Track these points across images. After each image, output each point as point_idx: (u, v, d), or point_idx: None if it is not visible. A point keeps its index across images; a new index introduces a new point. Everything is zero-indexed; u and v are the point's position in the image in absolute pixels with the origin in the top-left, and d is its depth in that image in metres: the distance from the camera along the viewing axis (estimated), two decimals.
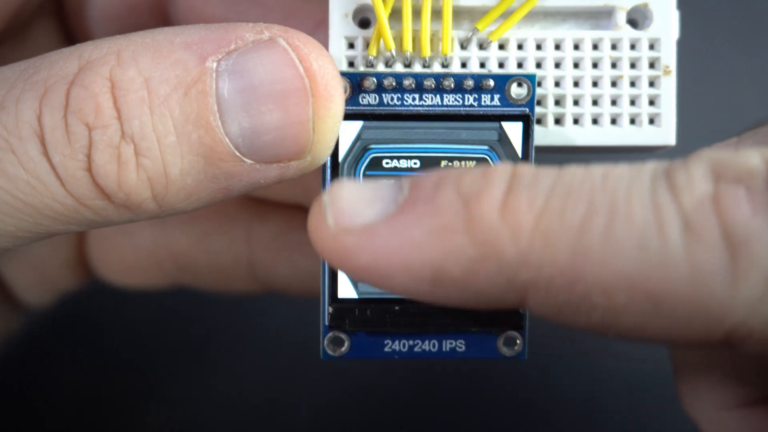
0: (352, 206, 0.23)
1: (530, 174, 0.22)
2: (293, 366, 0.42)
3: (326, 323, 0.28)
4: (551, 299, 0.22)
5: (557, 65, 0.28)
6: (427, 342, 0.28)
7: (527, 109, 0.27)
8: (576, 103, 0.28)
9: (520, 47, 0.28)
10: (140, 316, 0.43)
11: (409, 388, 0.42)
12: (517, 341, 0.28)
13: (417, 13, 0.27)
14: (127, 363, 0.43)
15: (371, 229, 0.22)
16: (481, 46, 0.28)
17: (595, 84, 0.28)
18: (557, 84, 0.28)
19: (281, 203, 0.35)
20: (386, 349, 0.28)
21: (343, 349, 0.28)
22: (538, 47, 0.28)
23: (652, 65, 0.28)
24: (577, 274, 0.21)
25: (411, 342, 0.28)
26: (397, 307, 0.27)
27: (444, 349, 0.28)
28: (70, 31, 0.33)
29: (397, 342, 0.28)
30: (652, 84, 0.28)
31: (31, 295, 0.38)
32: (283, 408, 0.42)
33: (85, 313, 0.43)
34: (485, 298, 0.22)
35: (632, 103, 0.28)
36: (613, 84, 0.28)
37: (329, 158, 0.27)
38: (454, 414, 0.41)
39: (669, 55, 0.28)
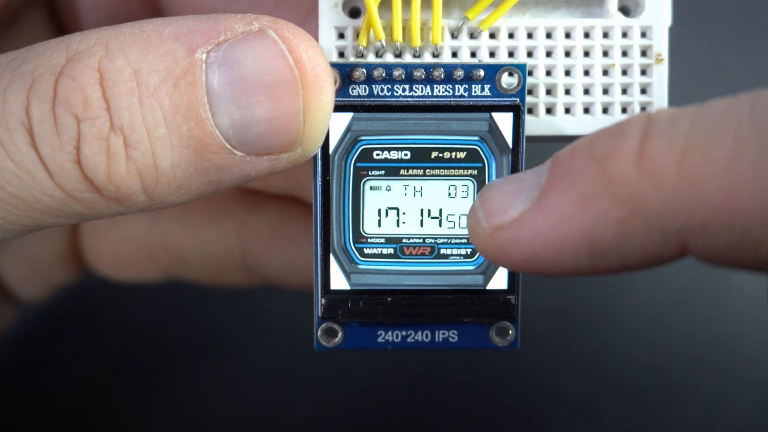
0: (501, 203, 0.23)
1: (667, 117, 0.22)
2: (291, 359, 0.42)
3: (319, 314, 0.28)
4: (711, 242, 0.21)
5: (548, 54, 0.28)
6: (420, 333, 0.28)
7: (518, 100, 0.27)
8: (567, 92, 0.28)
9: (511, 36, 0.28)
10: (137, 312, 0.43)
11: (405, 379, 0.42)
12: (510, 331, 0.28)
13: (407, 2, 0.27)
14: (124, 359, 0.43)
15: (521, 219, 0.22)
16: (472, 36, 0.28)
17: (586, 73, 0.28)
18: (548, 73, 0.28)
19: (274, 195, 0.35)
20: (379, 339, 0.28)
21: (337, 340, 0.28)
22: (530, 36, 0.28)
23: (644, 53, 0.28)
24: (732, 211, 0.20)
25: (404, 333, 0.28)
26: (389, 298, 0.27)
27: (437, 340, 0.28)
28: (61, 23, 0.33)
29: (390, 333, 0.28)
30: (644, 72, 0.28)
31: (25, 290, 0.38)
32: (281, 401, 0.42)
33: (82, 311, 0.43)
34: (646, 257, 0.22)
35: (624, 91, 0.28)
36: (605, 73, 0.28)
37: (320, 150, 0.27)
38: (449, 403, 0.41)
39: (661, 43, 0.27)
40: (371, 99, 0.27)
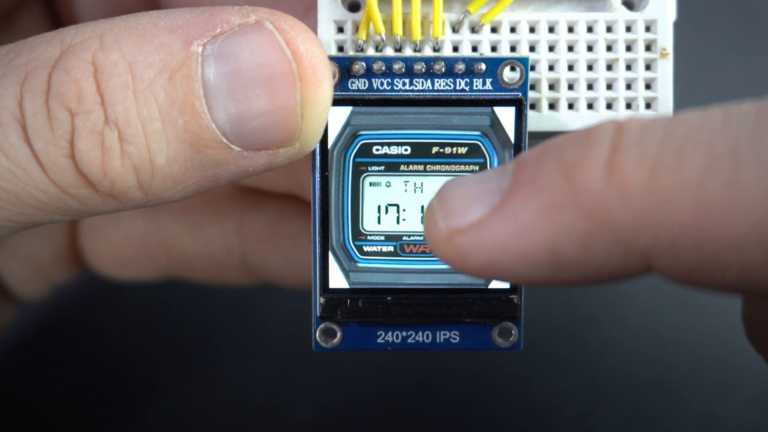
0: (460, 205, 0.22)
1: (638, 127, 0.21)
2: (291, 361, 0.42)
3: (318, 314, 0.27)
4: (678, 262, 0.20)
5: (551, 48, 0.27)
6: (420, 333, 0.28)
7: (520, 94, 0.26)
8: (570, 87, 0.27)
9: (512, 30, 0.27)
10: (136, 311, 0.43)
11: (406, 381, 0.41)
12: (512, 332, 0.28)
13: None
14: (123, 358, 0.43)
15: (481, 225, 0.22)
16: (473, 29, 0.27)
17: (590, 67, 0.27)
18: (551, 68, 0.27)
19: (273, 193, 0.35)
20: (379, 340, 0.28)
21: (336, 340, 0.27)
22: (532, 30, 0.27)
23: (648, 48, 0.27)
24: (702, 232, 0.20)
25: (404, 333, 0.28)
26: (389, 298, 0.27)
27: (438, 341, 0.28)
28: (59, 19, 0.33)
29: (390, 333, 0.28)
30: (648, 67, 0.27)
31: (23, 288, 0.37)
32: (280, 403, 0.42)
33: (81, 310, 0.43)
34: (609, 272, 0.21)
35: (628, 87, 0.27)
36: (609, 67, 0.27)
37: (318, 145, 0.26)
38: (450, 405, 0.41)
39: (666, 37, 0.27)
40: (371, 93, 0.26)
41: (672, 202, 0.20)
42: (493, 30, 0.27)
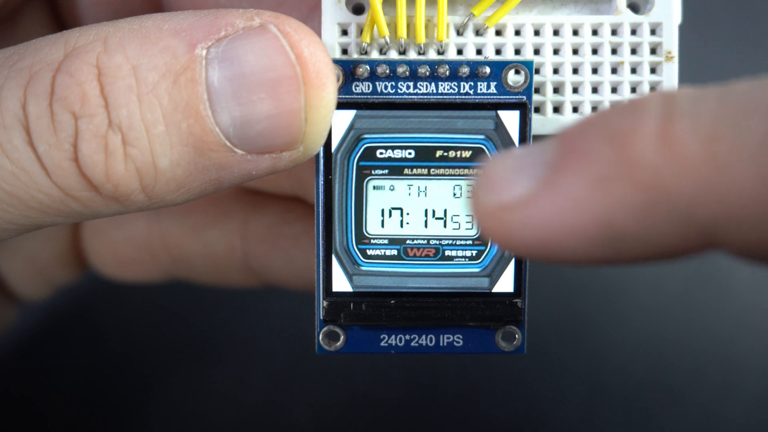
0: (504, 180, 0.21)
1: (690, 97, 0.20)
2: (292, 363, 0.42)
3: (321, 317, 0.27)
4: (742, 235, 0.19)
5: (556, 51, 0.27)
6: (424, 337, 0.28)
7: (524, 97, 0.26)
8: (575, 90, 0.27)
9: (517, 33, 0.27)
10: (138, 312, 0.43)
11: (408, 384, 0.41)
12: (516, 335, 0.27)
13: None
14: (125, 359, 0.43)
15: (530, 201, 0.21)
16: (478, 32, 0.27)
17: (594, 71, 0.27)
18: (556, 71, 0.27)
19: (276, 195, 0.35)
20: (382, 343, 0.28)
21: (339, 343, 0.27)
22: (536, 33, 0.27)
23: (653, 51, 0.27)
24: (765, 201, 0.19)
25: (407, 336, 0.28)
26: (392, 301, 0.27)
27: (441, 344, 0.28)
28: (62, 20, 0.33)
29: (393, 336, 0.28)
30: (653, 70, 0.27)
31: (26, 289, 0.37)
32: (281, 405, 0.42)
33: (83, 310, 0.43)
34: (667, 248, 0.20)
35: (633, 90, 0.27)
36: (614, 71, 0.27)
37: (322, 148, 0.26)
38: (453, 409, 0.41)
39: (671, 41, 0.27)
40: (375, 96, 0.26)
41: (731, 172, 0.19)
42: (498, 33, 0.27)
